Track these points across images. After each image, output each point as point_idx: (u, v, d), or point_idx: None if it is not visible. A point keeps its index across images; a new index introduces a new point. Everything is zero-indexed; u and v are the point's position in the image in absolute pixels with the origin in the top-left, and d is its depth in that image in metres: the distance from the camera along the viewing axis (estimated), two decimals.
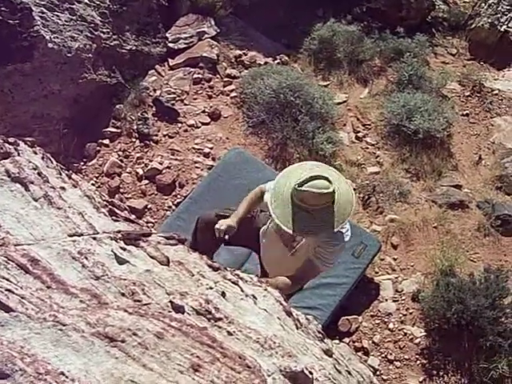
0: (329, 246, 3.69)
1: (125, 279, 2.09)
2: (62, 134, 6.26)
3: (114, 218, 2.50)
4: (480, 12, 8.41)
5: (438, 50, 8.30)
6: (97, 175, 6.29)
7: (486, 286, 5.46)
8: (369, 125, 7.22)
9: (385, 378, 5.40)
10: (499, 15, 8.26)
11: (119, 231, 2.37)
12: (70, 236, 2.18)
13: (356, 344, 5.52)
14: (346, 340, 5.52)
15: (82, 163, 6.35)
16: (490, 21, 8.25)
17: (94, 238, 2.21)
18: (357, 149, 6.97)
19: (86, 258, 2.08)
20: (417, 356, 5.51)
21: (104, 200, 2.71)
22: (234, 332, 2.08)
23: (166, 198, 6.24)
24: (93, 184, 6.19)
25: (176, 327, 1.96)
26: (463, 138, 7.27)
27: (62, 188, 2.42)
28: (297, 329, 2.48)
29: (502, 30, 8.24)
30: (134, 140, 6.56)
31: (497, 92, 7.83)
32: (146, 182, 6.31)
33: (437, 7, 8.63)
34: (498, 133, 7.38)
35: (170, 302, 2.06)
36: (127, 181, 6.28)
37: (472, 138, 7.30)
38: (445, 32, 8.50)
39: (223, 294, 2.26)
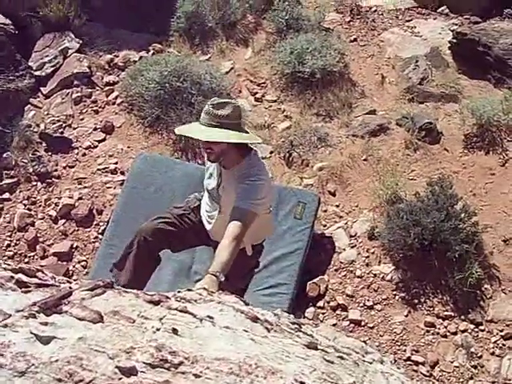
0: (245, 184, 3.52)
1: (56, 360, 1.74)
2: None
3: (24, 289, 2.13)
4: None
5: None
6: (9, 233, 5.83)
7: (435, 200, 5.34)
8: (263, 83, 6.97)
9: (371, 325, 5.23)
10: None
11: (34, 303, 2.00)
12: None
13: (331, 303, 5.32)
14: (320, 303, 5.32)
15: None
16: None
17: (5, 326, 1.84)
18: (260, 110, 6.73)
19: (2, 355, 1.72)
20: (394, 292, 5.36)
21: (10, 269, 2.33)
22: (202, 372, 1.76)
23: (88, 230, 5.86)
24: (8, 244, 5.77)
25: None
26: (360, 64, 7.12)
27: None
28: (268, 332, 2.18)
29: None
30: (34, 183, 6.12)
31: (375, 8, 7.77)
32: (63, 221, 5.90)
33: None
34: (391, 47, 7.29)
35: (117, 366, 1.72)
36: (43, 228, 5.84)
37: (368, 61, 7.16)
38: None
39: (175, 331, 1.93)
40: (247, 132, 3.77)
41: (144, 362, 1.77)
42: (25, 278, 2.25)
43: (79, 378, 1.69)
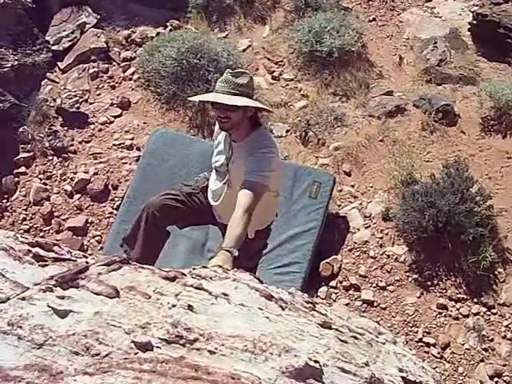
0: (254, 156, 3.51)
1: (73, 334, 1.76)
2: None
3: (41, 263, 2.15)
4: None
5: None
6: (25, 207, 5.86)
7: (451, 182, 5.31)
8: (281, 61, 6.93)
9: (383, 306, 5.24)
10: None
11: (51, 277, 2.02)
12: None
13: (344, 283, 5.33)
14: (333, 283, 5.32)
15: (5, 200, 5.90)
16: None
17: (23, 299, 1.86)
18: (277, 89, 6.69)
19: (20, 327, 1.74)
20: (407, 274, 5.36)
21: (27, 243, 2.35)
22: (217, 349, 1.77)
23: (103, 205, 5.87)
24: (24, 218, 5.79)
25: (149, 370, 1.65)
26: (378, 44, 7.06)
27: None
28: (283, 310, 2.19)
29: None
30: (50, 158, 6.14)
31: None
32: (78, 196, 5.92)
33: None
34: (409, 27, 7.21)
35: (133, 341, 1.74)
36: (58, 202, 5.87)
37: (386, 41, 7.09)
38: None
39: (190, 308, 1.94)
40: None
41: (159, 338, 1.78)
42: (42, 252, 2.27)
43: (95, 352, 1.71)
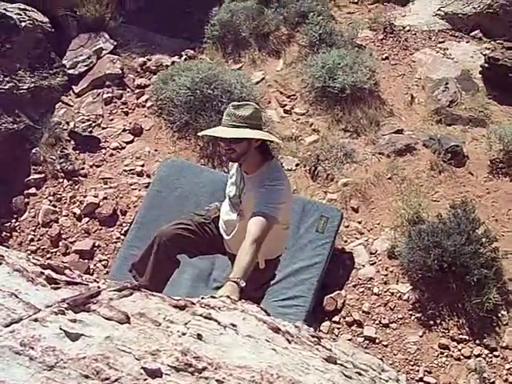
0: (265, 188, 3.55)
1: (84, 357, 1.78)
2: None
3: (53, 285, 2.18)
4: None
5: (340, 2, 8.14)
6: (33, 228, 5.91)
7: (457, 223, 5.33)
8: (293, 95, 7.01)
9: (385, 343, 5.22)
10: None
11: (63, 300, 2.05)
12: (7, 326, 1.85)
13: (347, 319, 5.32)
14: (336, 318, 5.32)
15: (14, 220, 5.96)
16: None
17: (36, 320, 1.89)
18: (288, 123, 6.76)
19: (32, 348, 1.76)
20: (410, 312, 5.35)
21: (39, 265, 2.38)
22: (225, 378, 1.79)
23: (111, 230, 5.91)
24: (32, 239, 5.83)
25: None
26: (390, 82, 7.14)
27: None
28: (289, 343, 2.21)
29: None
30: (61, 180, 6.20)
31: (408, 28, 7.76)
32: (87, 219, 5.97)
33: None
34: (422, 67, 7.29)
35: (143, 367, 1.76)
36: (66, 224, 5.91)
37: (398, 80, 7.17)
38: None
39: (199, 336, 1.97)
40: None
41: (169, 365, 1.81)
42: (54, 275, 2.30)
43: (105, 376, 1.73)
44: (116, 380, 1.73)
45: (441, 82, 7.02)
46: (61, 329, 1.87)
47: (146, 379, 1.74)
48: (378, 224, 5.88)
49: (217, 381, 1.79)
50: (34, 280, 2.18)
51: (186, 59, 7.31)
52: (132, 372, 1.76)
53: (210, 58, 7.35)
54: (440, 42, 7.67)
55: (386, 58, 7.40)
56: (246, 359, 1.93)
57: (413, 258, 5.35)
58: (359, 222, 5.91)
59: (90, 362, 1.77)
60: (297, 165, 6.29)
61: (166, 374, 1.78)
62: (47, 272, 2.30)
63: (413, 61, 7.38)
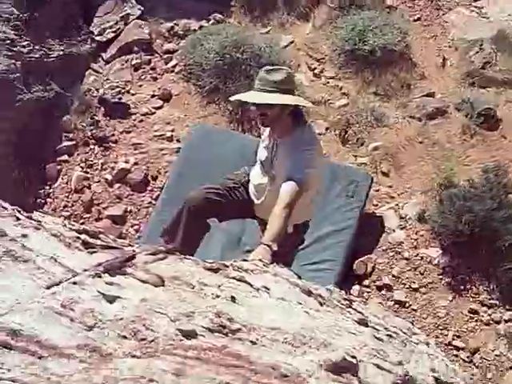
0: (296, 154, 3.54)
1: (121, 318, 1.83)
2: (14, 166, 5.92)
3: (89, 250, 2.22)
4: None
5: None
6: (66, 194, 5.99)
7: (489, 187, 5.29)
8: (323, 59, 6.92)
9: (415, 307, 5.25)
10: None
11: (99, 264, 2.09)
12: (48, 288, 1.90)
13: (377, 283, 5.35)
14: (366, 282, 5.35)
15: (48, 187, 6.04)
16: None
17: (75, 283, 1.94)
18: (318, 86, 6.69)
19: (72, 310, 1.81)
20: (440, 277, 5.36)
21: (75, 230, 2.43)
22: (258, 339, 1.83)
23: (142, 195, 5.97)
24: (65, 205, 5.92)
25: (193, 357, 1.71)
26: (421, 44, 6.99)
27: (24, 236, 2.13)
28: (321, 306, 2.24)
29: None
30: (92, 147, 6.25)
31: None
32: (118, 185, 6.03)
33: None
34: (455, 28, 7.10)
35: (178, 329, 1.80)
36: (98, 190, 5.99)
37: (430, 41, 7.02)
38: None
39: (233, 299, 2.00)
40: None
41: (203, 327, 1.84)
42: (89, 239, 2.35)
43: (142, 337, 1.78)
44: (152, 340, 1.77)
45: (475, 43, 6.83)
46: (98, 291, 1.92)
47: (181, 340, 1.78)
48: (409, 188, 5.85)
49: (251, 341, 1.83)
50: (70, 245, 2.23)
51: (213, 23, 7.24)
52: (168, 333, 1.80)
53: (237, 21, 7.27)
54: (475, 1, 7.43)
55: (418, 19, 7.23)
56: (279, 321, 1.96)
57: (443, 223, 5.33)
58: (390, 187, 5.88)
59: (127, 323, 1.81)
60: (326, 129, 6.26)
61: (201, 335, 1.81)
62: (83, 237, 2.34)
63: (445, 21, 7.18)
